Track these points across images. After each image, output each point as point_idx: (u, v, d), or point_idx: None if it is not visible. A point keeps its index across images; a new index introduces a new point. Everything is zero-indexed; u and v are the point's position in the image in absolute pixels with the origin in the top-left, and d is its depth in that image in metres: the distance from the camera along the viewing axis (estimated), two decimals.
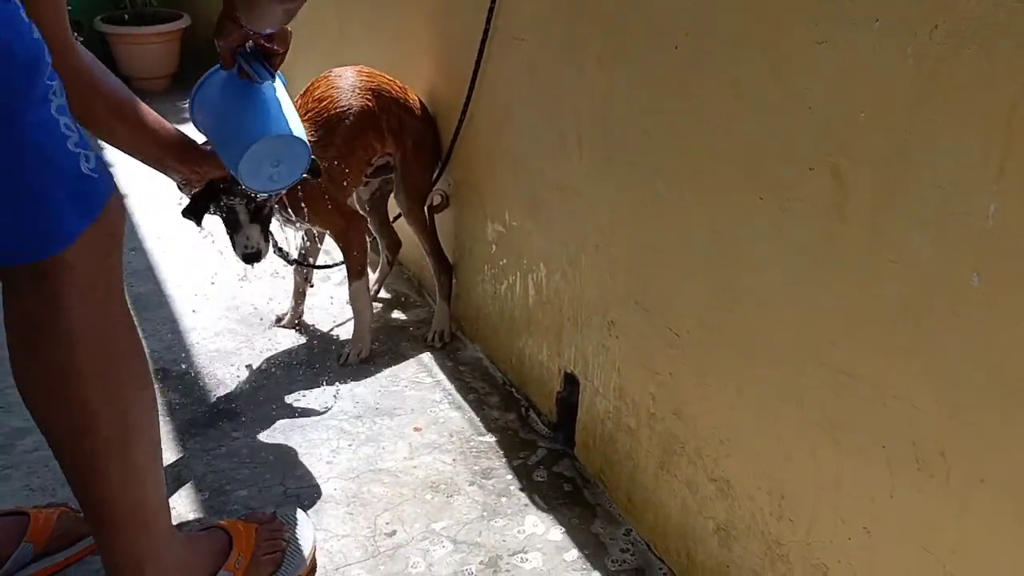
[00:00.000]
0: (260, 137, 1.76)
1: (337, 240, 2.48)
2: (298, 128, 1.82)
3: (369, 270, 2.83)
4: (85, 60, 1.61)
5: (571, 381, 2.10)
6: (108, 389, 1.36)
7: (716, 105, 1.53)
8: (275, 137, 1.77)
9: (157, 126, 1.76)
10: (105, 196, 1.30)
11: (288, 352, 2.54)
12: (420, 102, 2.50)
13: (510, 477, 2.05)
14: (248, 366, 2.47)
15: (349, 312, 2.73)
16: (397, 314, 2.77)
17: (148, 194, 2.91)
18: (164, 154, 1.79)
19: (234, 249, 2.15)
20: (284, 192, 2.07)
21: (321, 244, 2.77)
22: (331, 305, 2.78)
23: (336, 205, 2.38)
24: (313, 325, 2.69)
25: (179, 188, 1.99)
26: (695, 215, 1.61)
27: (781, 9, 1.38)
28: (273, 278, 2.84)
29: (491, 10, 2.14)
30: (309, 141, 2.08)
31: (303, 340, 2.62)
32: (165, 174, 1.88)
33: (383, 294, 2.87)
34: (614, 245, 1.85)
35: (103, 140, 1.71)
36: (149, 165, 1.82)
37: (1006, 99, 1.06)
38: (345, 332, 2.64)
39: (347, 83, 2.39)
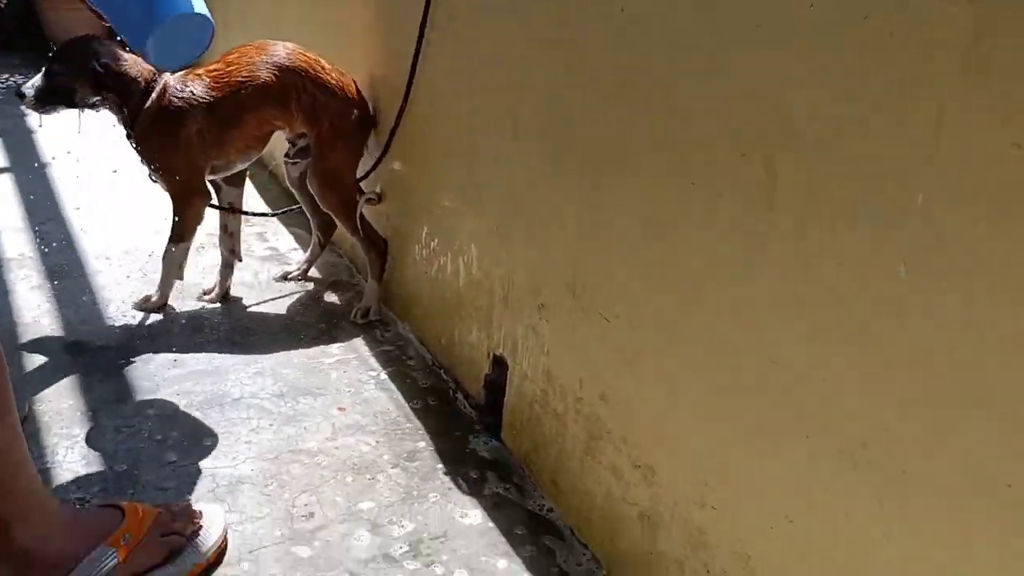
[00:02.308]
0: (171, 14, 1.79)
1: (172, 200, 2.46)
2: (200, 3, 1.86)
3: (302, 251, 2.80)
4: None
5: (500, 364, 2.08)
6: None
7: (650, 90, 1.51)
8: (189, 15, 1.81)
9: None
10: None
11: (210, 328, 2.49)
12: (347, 84, 2.46)
13: (434, 460, 2.03)
14: (168, 341, 2.42)
15: (277, 288, 2.70)
16: (328, 295, 2.73)
17: (68, 164, 2.84)
18: None
19: None
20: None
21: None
22: (257, 281, 2.73)
23: (189, 162, 2.38)
24: (239, 300, 2.65)
25: None
26: (627, 199, 1.60)
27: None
28: (199, 252, 2.79)
29: None
30: (204, 100, 2.33)
31: (226, 316, 2.57)
32: None
33: (314, 273, 2.82)
34: (545, 227, 1.84)
35: None
36: None
37: (938, 90, 1.06)
38: (272, 307, 2.60)
39: (263, 56, 2.38)
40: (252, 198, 3.24)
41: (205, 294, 2.65)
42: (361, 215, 2.54)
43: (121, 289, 2.64)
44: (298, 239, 3.01)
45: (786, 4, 1.25)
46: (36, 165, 3.38)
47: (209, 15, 1.87)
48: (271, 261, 2.86)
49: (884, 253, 1.15)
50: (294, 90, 2.38)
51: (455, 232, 2.20)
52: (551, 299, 1.85)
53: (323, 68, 2.42)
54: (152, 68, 2.31)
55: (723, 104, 1.37)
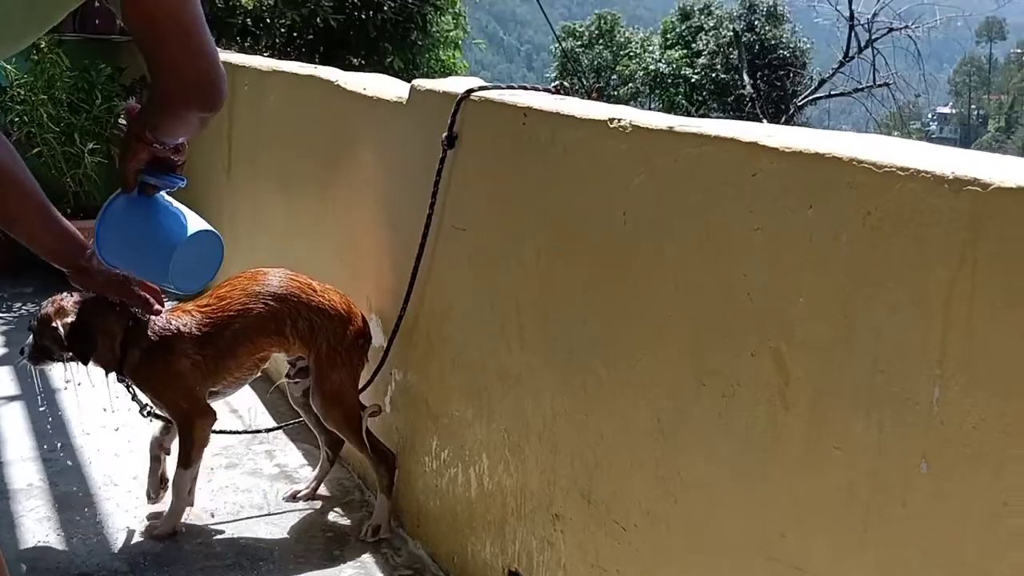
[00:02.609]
0: (183, 239, 1.89)
1: (178, 425, 2.47)
2: (203, 223, 1.96)
3: (310, 467, 2.75)
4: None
5: None
6: None
7: (654, 292, 1.53)
8: (197, 234, 1.92)
9: (72, 229, 1.86)
10: None
11: (219, 554, 2.42)
12: (340, 303, 2.49)
13: None
14: (177, 570, 2.34)
15: (286, 508, 2.64)
16: (338, 514, 2.66)
17: (76, 390, 2.84)
18: (78, 255, 1.90)
19: None
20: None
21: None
22: (266, 502, 2.68)
23: (186, 392, 2.42)
24: (246, 524, 2.58)
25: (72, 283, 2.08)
26: (637, 402, 1.58)
27: (718, 197, 1.40)
28: (210, 476, 2.75)
29: (432, 206, 2.17)
30: (195, 335, 2.39)
31: (235, 541, 2.50)
32: (72, 277, 1.99)
33: (323, 491, 2.76)
34: (557, 434, 1.81)
35: (12, 233, 1.83)
36: (58, 263, 1.93)
37: (942, 284, 1.06)
38: (282, 529, 2.53)
39: (255, 286, 2.44)
40: (261, 414, 3.23)
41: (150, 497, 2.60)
42: (367, 429, 2.51)
43: (129, 516, 2.59)
44: (307, 455, 2.96)
45: (785, 207, 1.27)
46: (46, 392, 3.37)
47: (210, 228, 1.96)
48: (280, 480, 2.81)
49: (903, 449, 1.12)
50: (289, 318, 2.42)
51: (464, 442, 2.17)
52: (566, 509, 1.80)
53: (315, 291, 2.46)
54: (126, 315, 2.37)
55: (728, 303, 1.38)
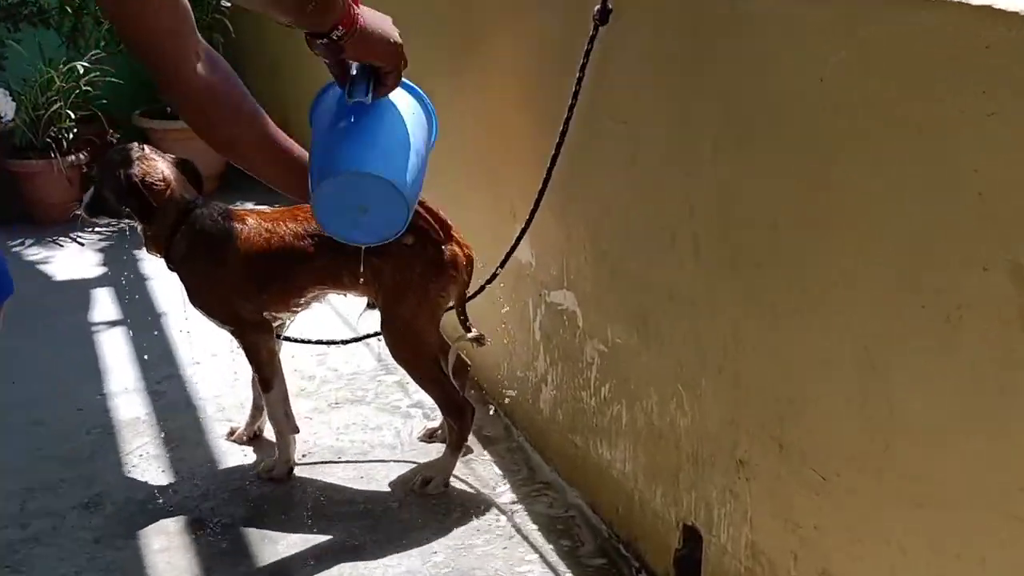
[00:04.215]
0: (343, 170, 1.82)
1: (234, 337, 2.58)
2: (398, 172, 1.85)
3: None
4: (212, 81, 1.82)
5: (692, 535, 2.03)
6: None
7: (861, 193, 1.49)
8: (355, 174, 1.82)
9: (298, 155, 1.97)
10: None
11: (345, 499, 2.51)
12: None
13: None
14: (299, 516, 2.44)
15: (421, 449, 2.71)
16: (480, 452, 2.72)
17: (184, 318, 2.96)
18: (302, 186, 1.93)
19: None
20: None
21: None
22: (399, 442, 2.76)
23: (222, 303, 2.51)
24: (377, 467, 2.66)
25: None
26: (841, 328, 1.56)
27: (942, 75, 1.34)
28: (334, 408, 2.84)
29: (576, 93, 2.14)
30: (247, 249, 2.45)
31: (363, 486, 2.58)
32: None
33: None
34: (741, 366, 1.81)
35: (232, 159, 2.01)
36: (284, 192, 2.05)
37: None
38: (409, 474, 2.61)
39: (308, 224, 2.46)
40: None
41: (231, 433, 2.78)
42: (435, 379, 2.53)
43: (243, 454, 2.70)
44: None
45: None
46: (151, 317, 3.53)
47: (407, 191, 1.86)
48: (415, 417, 2.88)
49: None
50: (346, 267, 2.40)
51: (629, 374, 2.18)
52: (753, 454, 1.81)
53: None
54: (191, 194, 2.49)
55: (955, 206, 1.34)
